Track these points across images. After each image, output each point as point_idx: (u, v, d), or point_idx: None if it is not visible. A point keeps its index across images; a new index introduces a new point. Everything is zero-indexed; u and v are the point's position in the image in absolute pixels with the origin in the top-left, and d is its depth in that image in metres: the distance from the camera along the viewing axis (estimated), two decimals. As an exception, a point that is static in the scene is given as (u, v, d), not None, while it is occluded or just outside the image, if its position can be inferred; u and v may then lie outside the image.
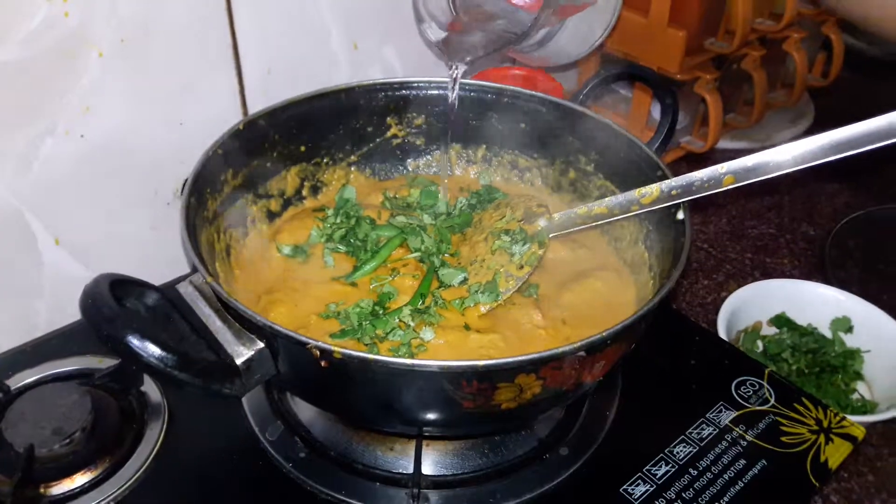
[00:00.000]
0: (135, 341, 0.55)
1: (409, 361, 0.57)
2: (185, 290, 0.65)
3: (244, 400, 0.80)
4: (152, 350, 0.55)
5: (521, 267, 0.78)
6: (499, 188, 0.95)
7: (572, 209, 0.78)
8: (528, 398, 0.61)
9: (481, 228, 0.85)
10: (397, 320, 0.74)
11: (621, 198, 0.74)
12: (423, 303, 0.77)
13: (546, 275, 0.82)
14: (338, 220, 0.87)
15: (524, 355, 0.57)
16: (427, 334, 0.73)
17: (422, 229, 0.85)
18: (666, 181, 0.72)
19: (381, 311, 0.76)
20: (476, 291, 0.77)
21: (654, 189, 0.72)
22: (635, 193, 0.73)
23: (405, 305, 0.76)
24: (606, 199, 0.76)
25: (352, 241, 0.85)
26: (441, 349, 0.72)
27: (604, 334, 0.59)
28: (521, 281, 0.77)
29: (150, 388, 0.81)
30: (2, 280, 0.85)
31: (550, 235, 0.80)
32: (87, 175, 0.86)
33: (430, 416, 0.64)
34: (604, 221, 0.76)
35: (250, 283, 0.80)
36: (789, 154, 0.65)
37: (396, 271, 0.81)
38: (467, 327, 0.75)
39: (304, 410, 0.80)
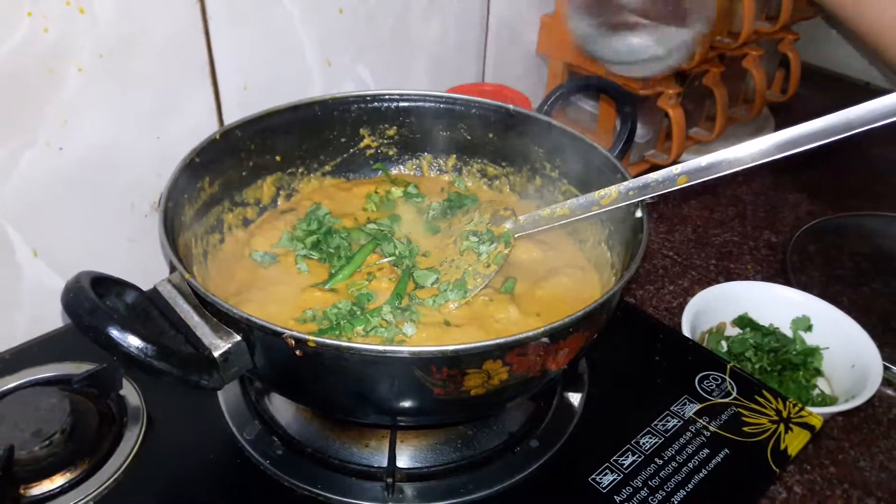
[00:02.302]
0: (115, 332, 0.57)
1: (380, 348, 0.59)
2: (164, 288, 0.67)
3: (222, 401, 0.82)
4: (132, 340, 0.57)
5: (488, 265, 0.81)
6: (471, 193, 0.99)
7: (537, 211, 0.82)
8: (496, 385, 0.64)
9: (450, 232, 0.88)
10: (379, 319, 0.76)
11: (582, 199, 0.78)
12: (401, 302, 0.80)
13: (521, 273, 0.85)
14: (309, 227, 0.89)
15: (490, 340, 0.60)
16: (409, 330, 0.75)
17: (392, 235, 0.88)
18: (623, 183, 0.75)
19: (358, 312, 0.78)
20: (445, 290, 0.80)
21: (612, 190, 0.76)
22: (595, 195, 0.77)
23: (385, 304, 0.78)
24: (569, 201, 0.79)
25: (323, 248, 0.87)
26: (422, 343, 0.74)
27: (566, 321, 0.62)
28: (488, 278, 0.80)
29: (129, 392, 0.82)
30: (-19, 291, 0.87)
31: (516, 236, 0.83)
32: (65, 187, 0.88)
33: (404, 404, 0.66)
34: (567, 221, 0.79)
35: (226, 287, 0.82)
36: (737, 154, 0.69)
37: (372, 275, 0.84)
38: (447, 323, 0.78)
39: (281, 410, 0.82)
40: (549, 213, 0.80)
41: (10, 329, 0.91)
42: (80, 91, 0.85)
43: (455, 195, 0.97)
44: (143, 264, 0.97)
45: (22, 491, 0.72)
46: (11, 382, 0.82)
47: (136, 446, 0.77)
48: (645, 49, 1.00)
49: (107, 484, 0.73)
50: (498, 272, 0.81)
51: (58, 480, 0.73)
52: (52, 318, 0.92)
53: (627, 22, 0.96)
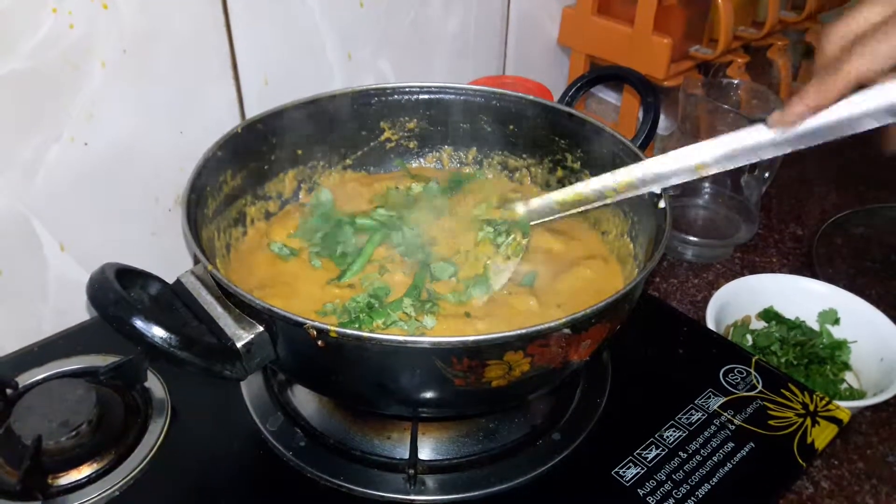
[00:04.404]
0: (140, 323, 0.58)
1: (401, 338, 0.59)
2: (188, 279, 0.68)
3: (245, 393, 0.82)
4: (157, 331, 0.58)
5: (508, 258, 0.80)
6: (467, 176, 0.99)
7: (549, 195, 0.81)
8: (517, 376, 0.64)
9: (457, 216, 0.87)
10: (399, 312, 0.76)
11: (597, 183, 0.77)
12: (420, 296, 0.80)
13: (541, 265, 0.85)
14: (315, 221, 0.89)
15: (511, 331, 0.59)
16: (429, 322, 0.75)
17: (402, 222, 0.88)
18: (640, 164, 0.75)
19: (376, 305, 0.78)
20: (469, 286, 0.80)
21: (627, 174, 0.75)
22: (611, 180, 0.76)
23: (404, 296, 0.78)
24: (582, 183, 0.78)
25: (329, 245, 0.87)
26: (443, 335, 0.74)
27: (588, 311, 0.62)
28: (510, 272, 0.80)
29: (154, 384, 0.83)
30: (9, 285, 0.88)
31: (532, 223, 0.82)
32: (90, 182, 0.89)
33: (425, 395, 0.66)
34: (583, 209, 0.79)
35: (248, 280, 0.82)
36: (755, 139, 0.67)
37: (384, 268, 0.83)
38: (468, 315, 0.77)
39: (304, 402, 0.82)
40: (563, 197, 0.79)
41: (37, 322, 0.92)
42: (105, 86, 0.85)
43: (456, 175, 0.96)
44: (167, 258, 0.98)
45: (50, 480, 0.73)
46: (39, 374, 0.83)
47: (161, 437, 0.77)
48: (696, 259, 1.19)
49: (132, 474, 0.74)
50: (518, 264, 0.81)
51: (85, 470, 0.74)
52: (78, 312, 0.93)
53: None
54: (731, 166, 0.69)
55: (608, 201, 0.77)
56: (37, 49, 0.79)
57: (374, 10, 1.07)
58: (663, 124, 1.33)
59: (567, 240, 0.90)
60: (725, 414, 0.82)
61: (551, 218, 0.82)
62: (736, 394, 0.85)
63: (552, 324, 0.60)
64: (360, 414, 0.80)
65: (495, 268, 0.81)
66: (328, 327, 0.59)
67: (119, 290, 0.59)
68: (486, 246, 0.82)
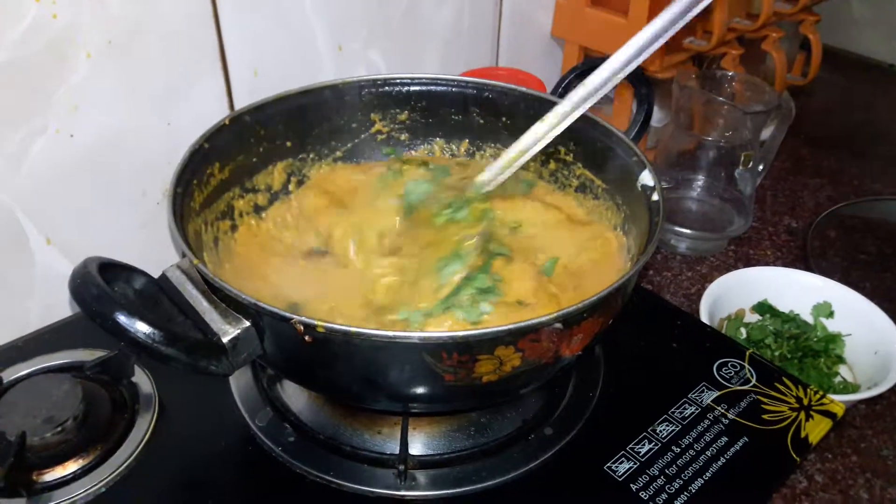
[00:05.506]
0: (123, 318, 0.56)
1: (389, 333, 0.58)
2: (173, 274, 0.67)
3: (234, 388, 0.81)
4: (140, 326, 0.57)
5: (473, 226, 0.80)
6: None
7: (496, 163, 0.84)
8: (508, 371, 0.63)
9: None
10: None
11: (531, 134, 0.81)
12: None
13: (557, 252, 0.84)
14: None
15: (500, 326, 0.59)
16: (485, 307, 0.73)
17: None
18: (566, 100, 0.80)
19: None
20: (441, 268, 0.77)
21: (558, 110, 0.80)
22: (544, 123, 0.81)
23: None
24: (521, 139, 0.82)
25: None
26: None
27: (579, 305, 0.61)
28: (477, 237, 0.79)
29: (141, 378, 0.82)
30: (-6, 279, 0.87)
31: (485, 190, 0.83)
32: (77, 174, 0.88)
33: (414, 390, 0.65)
34: (527, 157, 0.82)
35: (239, 275, 0.81)
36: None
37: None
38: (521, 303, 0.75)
39: (294, 397, 0.81)
40: (507, 159, 0.82)
41: (22, 317, 0.91)
42: (90, 77, 0.84)
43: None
44: (156, 252, 0.97)
45: (34, 477, 0.72)
46: (24, 370, 0.82)
47: (149, 433, 0.76)
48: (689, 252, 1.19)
49: (119, 470, 0.73)
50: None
51: (70, 467, 0.73)
52: (65, 306, 0.92)
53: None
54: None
55: (548, 139, 0.81)
56: (20, 40, 0.77)
57: (366, 1, 1.05)
58: (657, 116, 1.32)
59: (574, 227, 0.88)
60: (719, 408, 0.82)
61: (501, 176, 0.84)
62: (730, 388, 0.84)
63: (543, 318, 0.59)
64: (349, 409, 0.79)
65: (467, 239, 0.79)
66: (315, 322, 0.58)
67: (102, 284, 0.58)
68: (448, 227, 0.81)
